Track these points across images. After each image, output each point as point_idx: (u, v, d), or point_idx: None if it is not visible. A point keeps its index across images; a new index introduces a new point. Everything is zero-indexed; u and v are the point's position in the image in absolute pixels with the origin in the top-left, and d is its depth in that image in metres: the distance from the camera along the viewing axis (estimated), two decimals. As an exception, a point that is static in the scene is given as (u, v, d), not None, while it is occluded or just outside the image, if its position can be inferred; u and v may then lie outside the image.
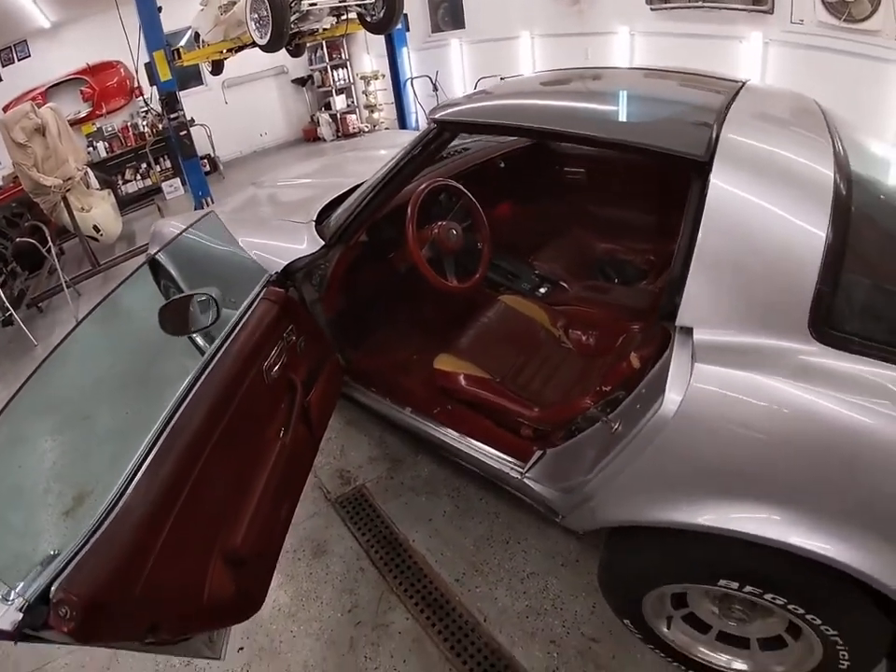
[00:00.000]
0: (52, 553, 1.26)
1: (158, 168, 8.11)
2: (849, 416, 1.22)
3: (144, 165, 8.16)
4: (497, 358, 2.36)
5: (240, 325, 1.77)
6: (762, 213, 1.37)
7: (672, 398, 1.34)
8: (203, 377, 1.56)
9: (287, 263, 2.17)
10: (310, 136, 9.31)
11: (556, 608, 2.16)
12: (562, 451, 1.92)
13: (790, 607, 1.43)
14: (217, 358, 1.63)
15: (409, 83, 7.64)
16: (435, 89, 7.19)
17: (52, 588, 1.16)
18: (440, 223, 2.40)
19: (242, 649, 2.25)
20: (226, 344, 1.68)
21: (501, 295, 2.67)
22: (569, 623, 2.11)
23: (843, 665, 1.51)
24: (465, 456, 2.16)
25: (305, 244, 2.25)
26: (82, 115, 7.90)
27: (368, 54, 8.78)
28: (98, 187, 6.89)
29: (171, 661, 2.28)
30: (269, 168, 6.55)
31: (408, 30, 7.54)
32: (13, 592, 1.21)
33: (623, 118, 1.82)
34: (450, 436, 2.19)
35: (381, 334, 2.71)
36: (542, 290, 2.96)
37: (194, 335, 3.36)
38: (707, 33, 4.71)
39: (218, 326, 1.79)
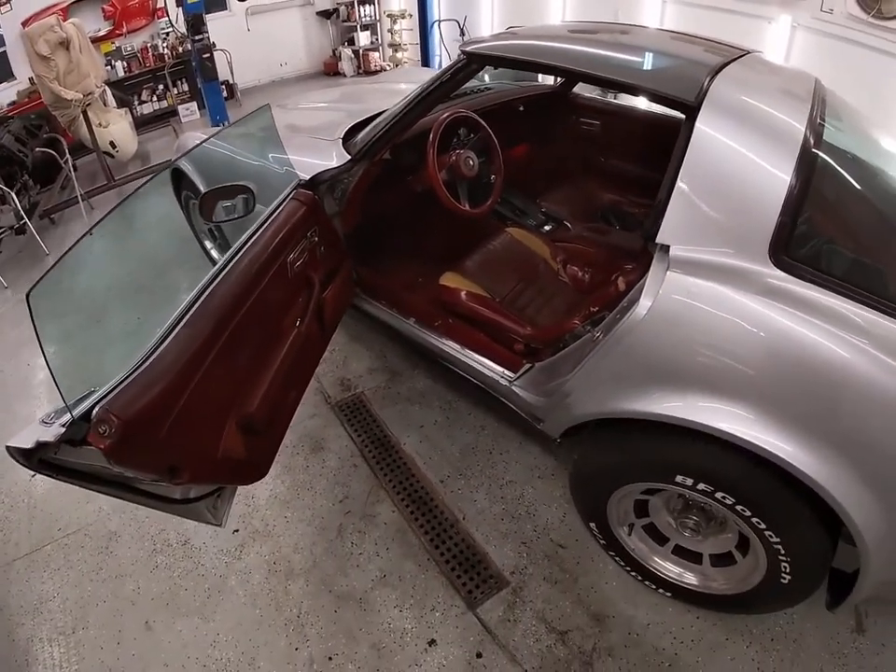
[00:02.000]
0: (93, 389, 1.44)
1: (175, 91, 8.07)
2: (798, 330, 1.42)
3: (161, 87, 8.10)
4: (498, 282, 2.53)
5: (271, 219, 1.94)
6: (738, 154, 1.57)
7: (645, 303, 1.55)
8: (236, 259, 1.74)
9: (314, 174, 2.30)
10: (330, 71, 9.20)
11: (530, 514, 2.36)
12: (548, 363, 2.11)
13: (738, 507, 1.60)
14: (248, 244, 1.80)
15: (436, 25, 7.55)
16: (462, 34, 7.08)
17: (94, 410, 1.34)
18: (458, 151, 2.54)
19: (237, 531, 2.46)
20: (257, 234, 1.86)
21: (508, 227, 2.82)
22: (540, 529, 2.32)
23: (784, 578, 1.68)
24: (461, 365, 2.36)
25: (334, 160, 2.38)
26: (102, 33, 7.82)
27: (398, -9, 8.66)
28: (115, 105, 6.91)
29: (168, 539, 2.51)
30: (287, 98, 6.56)
31: (435, -31, 7.48)
32: (53, 415, 1.40)
33: (631, 64, 1.97)
34: (449, 346, 2.40)
35: (392, 252, 2.86)
36: (547, 227, 3.12)
37: (210, 249, 3.53)
38: (738, 9, 4.68)
39: (250, 219, 1.96)
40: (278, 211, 1.98)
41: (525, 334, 2.31)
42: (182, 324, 1.55)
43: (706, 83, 1.67)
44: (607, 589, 2.13)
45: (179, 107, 7.86)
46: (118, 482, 1.64)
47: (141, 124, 7.38)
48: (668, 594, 2.05)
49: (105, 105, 6.64)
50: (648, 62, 1.97)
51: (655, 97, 1.79)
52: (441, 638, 2.05)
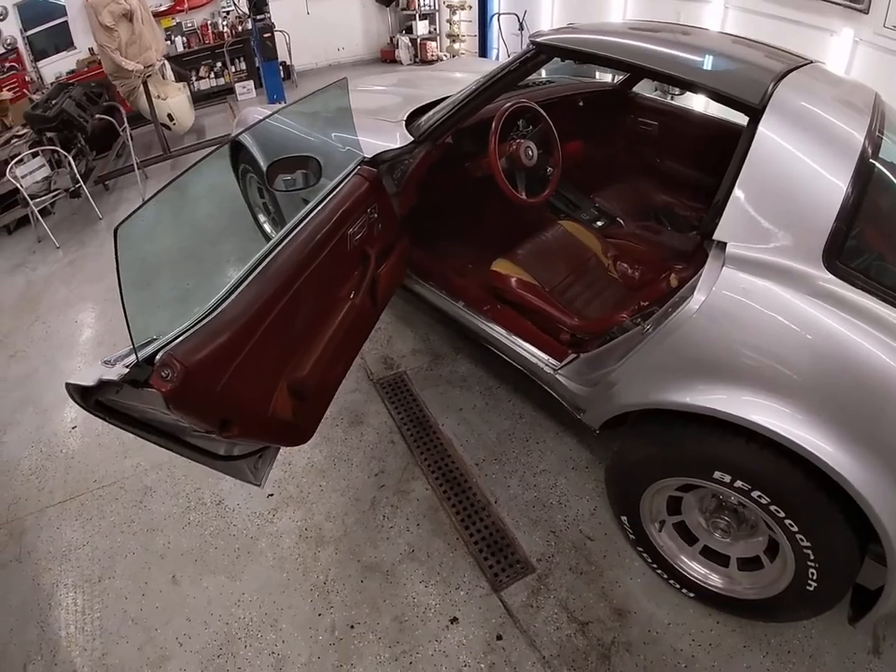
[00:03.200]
0: (154, 337, 1.48)
1: (233, 69, 8.21)
2: (847, 334, 1.43)
3: (219, 64, 8.24)
4: (548, 272, 2.54)
5: (335, 191, 1.98)
6: (798, 159, 1.59)
7: (698, 297, 1.58)
8: (301, 226, 1.78)
9: (377, 154, 2.34)
10: (387, 58, 9.27)
11: (561, 504, 2.37)
12: (594, 354, 2.12)
13: (772, 508, 1.60)
14: (312, 214, 1.84)
15: (495, 18, 7.56)
16: (521, 28, 7.08)
17: (158, 355, 1.38)
18: (518, 140, 2.56)
19: (271, 495, 2.50)
20: (321, 205, 1.90)
21: (561, 220, 2.83)
22: (570, 520, 2.32)
23: (810, 585, 1.67)
24: (506, 350, 2.39)
25: (398, 141, 2.41)
26: (163, 8, 7.99)
27: (459, -17, 8.66)
28: (174, 79, 7.05)
29: (202, 498, 2.57)
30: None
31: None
32: (116, 358, 1.44)
33: (697, 64, 1.98)
34: (496, 331, 2.43)
35: (445, 236, 2.89)
36: (599, 223, 3.12)
37: (263, 223, 3.59)
38: (801, 20, 4.61)
39: (312, 191, 2.00)
40: (343, 185, 2.02)
41: (572, 325, 2.33)
42: (245, 284, 1.59)
43: (770, 87, 1.69)
44: (631, 585, 2.14)
45: (236, 85, 7.99)
46: (167, 431, 1.69)
47: (198, 99, 7.53)
48: (692, 594, 2.04)
49: (163, 78, 6.78)
50: (714, 62, 1.97)
51: (720, 97, 1.79)
52: (464, 617, 2.07)
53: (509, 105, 2.55)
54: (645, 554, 2.12)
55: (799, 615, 1.88)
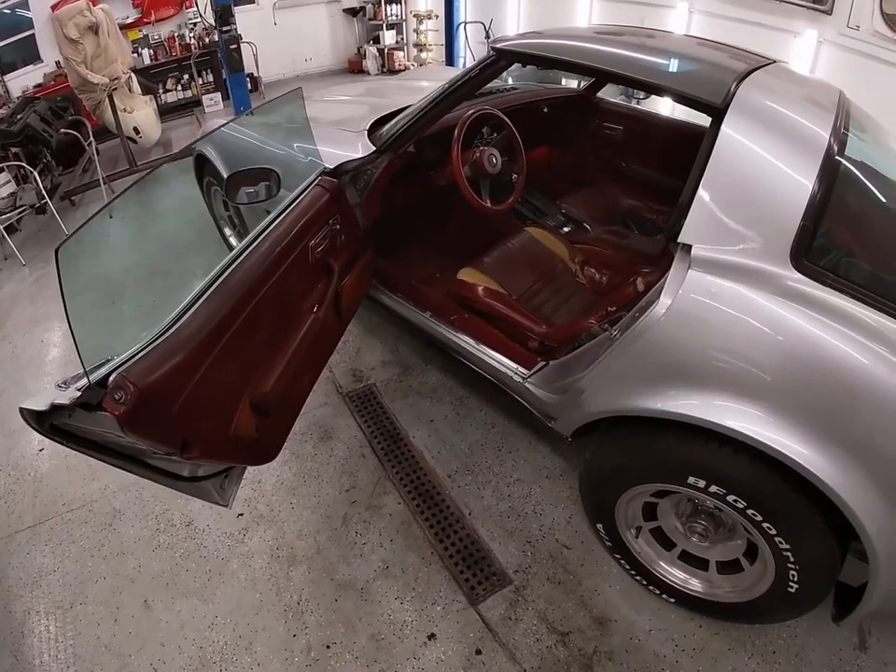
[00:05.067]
0: (109, 358, 1.44)
1: (200, 81, 8.13)
2: (817, 333, 1.42)
3: (186, 77, 8.16)
4: (515, 280, 2.53)
5: (295, 203, 1.95)
6: (762, 158, 1.58)
7: (664, 301, 1.56)
8: (259, 240, 1.75)
9: (338, 164, 2.31)
10: (354, 68, 9.25)
11: (536, 513, 2.35)
12: (563, 361, 2.10)
13: (749, 512, 1.59)
14: (272, 227, 1.81)
15: (462, 27, 7.59)
16: (487, 36, 7.10)
17: (111, 377, 1.34)
18: (481, 148, 2.54)
19: (241, 514, 2.46)
20: (281, 217, 1.87)
21: (528, 226, 2.82)
22: (546, 529, 2.30)
23: (791, 587, 1.66)
24: (475, 360, 2.36)
25: (360, 150, 2.39)
26: (130, 20, 7.89)
27: (425, -8, 8.70)
28: (140, 92, 6.97)
29: (171, 520, 2.51)
30: (311, 92, 6.60)
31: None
32: (69, 380, 1.40)
33: (659, 66, 1.98)
34: (464, 340, 2.41)
35: (410, 246, 2.87)
36: (566, 229, 3.12)
37: (229, 236, 3.54)
38: (765, 22, 4.67)
39: (273, 203, 1.97)
40: (303, 196, 2.00)
41: (540, 332, 2.31)
42: (203, 300, 1.56)
43: (732, 87, 1.68)
44: (610, 592, 2.12)
45: (203, 97, 7.91)
46: (127, 454, 1.65)
47: (165, 112, 7.45)
48: (672, 600, 2.03)
49: (130, 91, 6.69)
50: (676, 64, 1.97)
51: (682, 99, 1.79)
52: (441, 633, 2.04)
53: (471, 112, 2.53)
54: (623, 561, 2.10)
55: (782, 616, 1.88)
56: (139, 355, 1.41)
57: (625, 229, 3.22)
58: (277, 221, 1.85)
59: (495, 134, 2.74)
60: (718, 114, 1.65)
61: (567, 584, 2.15)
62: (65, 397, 1.36)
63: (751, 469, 1.55)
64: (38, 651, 2.22)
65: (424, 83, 3.67)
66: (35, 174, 5.40)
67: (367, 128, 2.54)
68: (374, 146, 2.40)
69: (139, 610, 2.27)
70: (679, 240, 1.60)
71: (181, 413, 1.47)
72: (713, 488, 1.63)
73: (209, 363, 1.52)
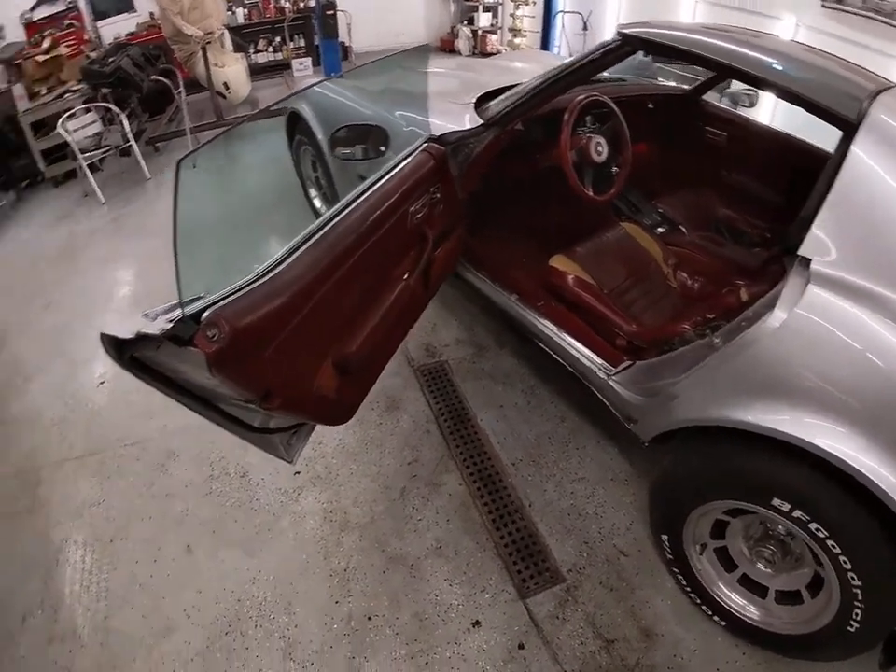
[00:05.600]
0: (202, 294, 1.40)
1: (291, 45, 8.19)
2: None
3: (278, 39, 8.23)
4: (607, 274, 2.45)
5: (399, 166, 1.89)
6: (892, 182, 1.49)
7: (779, 314, 1.49)
8: (363, 198, 1.70)
9: (442, 133, 2.26)
10: (446, 47, 9.13)
11: (597, 515, 2.27)
12: (652, 363, 2.03)
13: (829, 543, 1.51)
14: (375, 186, 1.76)
15: (560, 16, 7.45)
16: (585, 28, 6.97)
17: (205, 313, 1.30)
18: (588, 135, 2.46)
19: (298, 473, 2.44)
20: (385, 178, 1.81)
21: (623, 221, 2.74)
22: (605, 532, 2.22)
23: (852, 626, 1.58)
24: (558, 349, 2.30)
25: (467, 123, 2.33)
26: (228, -22, 8.02)
27: (525, -24, 8.55)
28: (231, 49, 7.04)
29: (227, 468, 2.52)
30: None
31: (573, -37, 7.34)
32: (157, 312, 1.36)
33: (792, 71, 1.87)
34: (548, 328, 2.34)
35: (503, 225, 2.80)
36: (660, 229, 3.02)
37: (313, 197, 3.53)
38: (872, 45, 4.49)
39: (376, 163, 1.92)
40: (408, 160, 1.94)
41: (629, 331, 2.24)
42: (302, 250, 1.51)
43: (865, 104, 1.60)
44: (661, 606, 2.03)
45: (293, 61, 7.96)
46: (201, 396, 1.62)
47: (254, 72, 7.50)
48: (723, 623, 1.94)
49: (222, 46, 6.76)
50: (808, 72, 1.87)
51: (813, 108, 1.70)
52: (486, 622, 1.98)
53: (582, 97, 2.45)
54: (680, 576, 2.02)
55: (833, 655, 1.77)
56: (236, 295, 1.36)
57: (719, 237, 3.09)
58: (381, 182, 1.80)
59: (598, 124, 2.65)
60: (849, 129, 1.57)
61: (620, 591, 2.07)
62: (154, 327, 1.32)
63: (841, 499, 1.48)
64: (70, 581, 2.24)
65: (517, 64, 3.60)
66: (123, 116, 5.50)
67: (474, 101, 2.48)
68: (481, 119, 2.33)
69: (181, 555, 2.27)
70: (798, 252, 1.53)
71: (270, 361, 1.43)
72: (797, 513, 1.55)
73: (303, 314, 1.47)
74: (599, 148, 2.46)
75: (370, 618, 2.01)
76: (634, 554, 2.17)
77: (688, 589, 2.01)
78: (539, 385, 2.76)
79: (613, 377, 2.11)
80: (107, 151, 5.55)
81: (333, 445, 2.53)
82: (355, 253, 1.62)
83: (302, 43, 8.25)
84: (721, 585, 1.93)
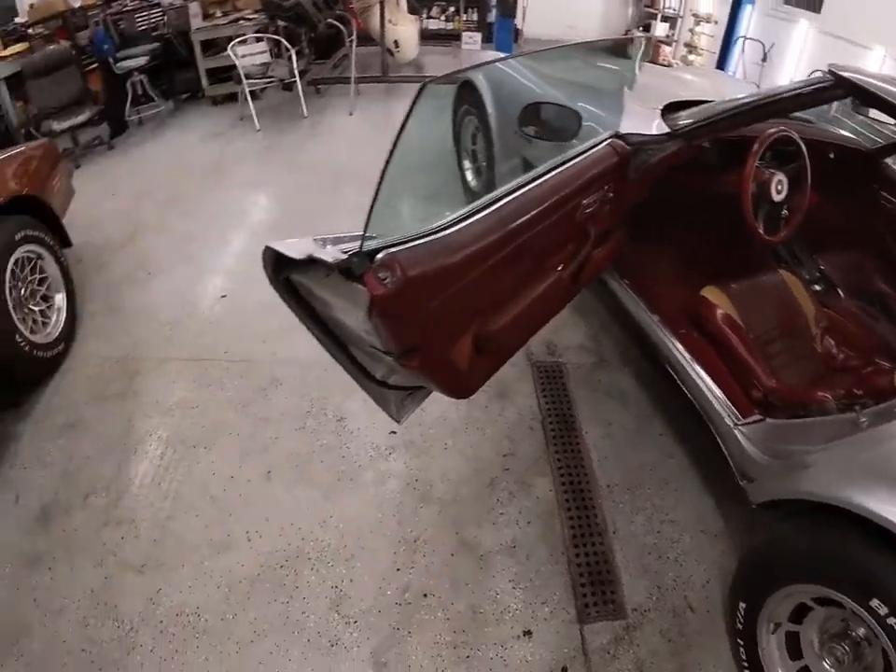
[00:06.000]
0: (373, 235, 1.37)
1: (464, 17, 8.22)
2: None
3: (452, 9, 8.30)
4: (756, 318, 2.33)
5: (583, 156, 1.84)
6: None
7: None
8: (545, 178, 1.66)
9: (624, 133, 2.19)
10: (617, 48, 9.01)
11: (678, 562, 2.17)
12: (783, 425, 1.95)
13: None
14: (557, 171, 1.71)
15: (741, 42, 7.15)
16: (764, 59, 6.67)
17: (379, 254, 1.28)
18: (772, 170, 2.33)
19: (394, 433, 2.44)
20: (566, 165, 1.76)
21: (781, 268, 2.60)
22: (680, 582, 2.12)
23: None
24: (689, 382, 2.21)
25: (653, 128, 2.25)
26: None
27: (708, -7, 8.23)
28: (406, 10, 7.13)
29: (325, 408, 2.59)
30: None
31: (762, -11, 7.02)
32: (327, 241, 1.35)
33: None
34: (685, 357, 2.25)
35: (657, 240, 2.70)
36: (817, 287, 2.84)
37: (466, 169, 3.51)
38: None
39: (559, 147, 1.87)
40: (592, 152, 1.88)
41: (768, 385, 2.12)
42: (479, 216, 1.48)
43: None
44: (712, 672, 1.92)
45: (463, 34, 7.98)
46: (335, 335, 1.62)
47: (423, 37, 7.58)
48: None
49: (398, 5, 6.85)
50: None
51: None
52: (538, 635, 1.93)
53: (773, 130, 2.32)
54: (742, 649, 1.89)
55: None
56: (412, 243, 1.34)
57: (874, 310, 2.89)
58: (562, 168, 1.75)
59: (777, 161, 2.50)
60: None
61: (677, 645, 1.97)
62: (328, 255, 1.29)
63: None
64: (143, 473, 2.33)
65: (688, 76, 3.46)
66: (293, 52, 5.65)
67: (661, 108, 2.39)
68: (668, 128, 2.24)
69: (259, 479, 2.32)
70: None
71: (425, 317, 1.40)
72: (891, 620, 1.42)
73: (467, 280, 1.44)
74: (779, 187, 2.33)
75: (426, 595, 1.99)
76: (702, 613, 2.06)
77: (745, 664, 1.87)
78: (653, 414, 2.65)
79: (740, 427, 2.00)
80: (270, 82, 5.74)
81: (435, 416, 2.52)
82: (525, 233, 1.58)
83: (475, 17, 8.25)
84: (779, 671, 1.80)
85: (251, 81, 5.51)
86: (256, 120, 5.45)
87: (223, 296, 3.31)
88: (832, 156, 3.06)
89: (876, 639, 1.49)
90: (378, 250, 1.29)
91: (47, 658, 1.84)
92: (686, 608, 2.06)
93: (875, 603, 1.45)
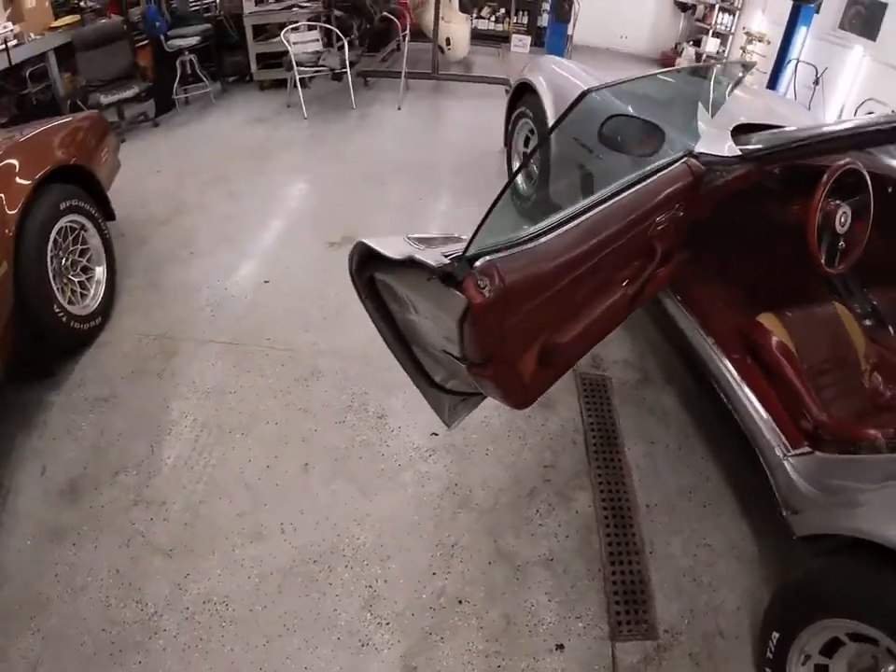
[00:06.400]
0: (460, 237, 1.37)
1: (514, 19, 8.20)
2: None
3: (502, 10, 8.28)
4: (809, 349, 2.31)
5: (660, 173, 1.83)
6: None
7: None
8: (625, 195, 1.66)
9: (694, 150, 2.17)
10: (667, 62, 8.83)
11: (711, 586, 2.15)
12: (832, 459, 1.94)
13: None
14: (637, 187, 1.71)
15: (793, 63, 7.08)
16: (816, 83, 6.61)
17: (479, 261, 1.25)
18: (838, 202, 2.30)
19: (436, 435, 2.43)
20: (645, 182, 1.76)
21: (836, 301, 2.57)
22: (712, 606, 2.10)
23: None
24: (739, 407, 2.20)
25: (724, 149, 2.23)
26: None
27: (762, 13, 8.10)
28: (458, 9, 7.12)
29: (366, 404, 2.57)
30: (616, 70, 6.44)
31: (817, 12, 6.90)
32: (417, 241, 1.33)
33: None
34: (736, 382, 2.23)
35: (715, 262, 2.68)
36: (868, 322, 2.81)
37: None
38: None
39: (635, 162, 1.86)
40: (668, 170, 1.87)
41: (819, 418, 2.10)
42: (567, 227, 1.47)
43: None
44: (737, 697, 1.90)
45: (513, 36, 7.96)
46: (402, 336, 1.62)
47: (472, 37, 7.57)
48: None
49: (450, 2, 6.84)
50: None
51: None
52: (571, 649, 1.92)
53: (842, 163, 2.29)
54: None
55: None
56: (508, 251, 1.31)
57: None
58: (642, 184, 1.74)
59: (840, 192, 2.48)
60: None
61: (704, 670, 1.95)
62: (430, 258, 1.25)
63: None
64: (177, 455, 2.31)
65: (745, 96, 3.42)
66: (346, 42, 5.66)
67: (731, 129, 2.37)
68: (739, 150, 2.23)
69: (296, 470, 2.32)
70: None
71: (513, 327, 1.38)
72: None
73: (553, 290, 1.44)
74: (843, 219, 2.31)
75: (460, 601, 1.99)
76: (731, 639, 2.04)
77: None
78: (695, 435, 2.63)
79: (790, 458, 1.99)
80: (320, 71, 5.75)
81: (477, 421, 2.50)
82: (607, 246, 1.58)
83: (525, 20, 8.23)
84: None
85: (301, 69, 5.53)
86: (304, 108, 5.47)
87: (266, 281, 3.31)
88: (890, 190, 3.02)
89: None
90: (476, 256, 1.27)
91: (65, 635, 1.83)
92: (717, 633, 2.05)
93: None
